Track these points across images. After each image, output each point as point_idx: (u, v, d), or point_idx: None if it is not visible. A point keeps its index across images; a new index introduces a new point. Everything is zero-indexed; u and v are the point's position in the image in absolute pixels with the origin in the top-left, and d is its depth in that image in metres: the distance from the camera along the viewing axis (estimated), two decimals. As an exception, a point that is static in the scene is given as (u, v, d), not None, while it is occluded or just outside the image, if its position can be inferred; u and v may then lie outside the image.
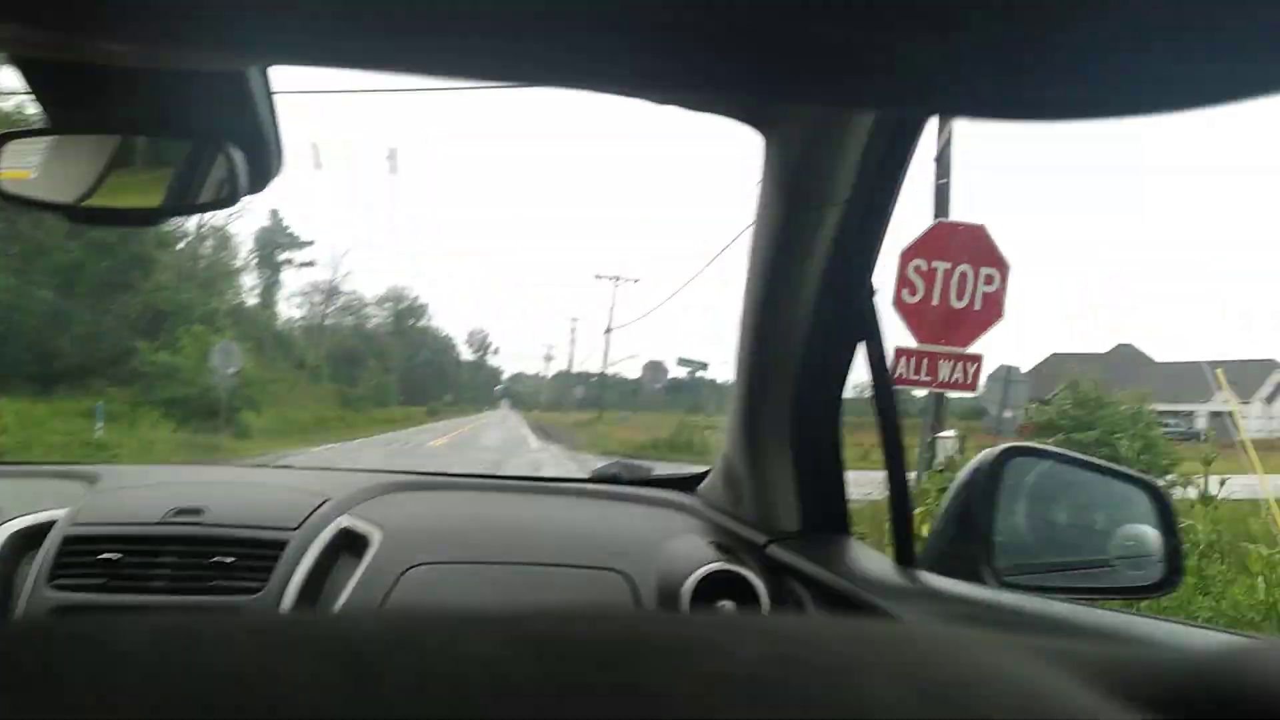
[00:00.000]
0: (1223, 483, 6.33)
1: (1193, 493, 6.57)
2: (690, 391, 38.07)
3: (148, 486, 1.57)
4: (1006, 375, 15.85)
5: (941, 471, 8.41)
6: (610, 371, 44.23)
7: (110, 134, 0.99)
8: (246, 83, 0.87)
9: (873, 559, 1.24)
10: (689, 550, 1.39)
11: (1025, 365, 14.42)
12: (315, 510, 1.46)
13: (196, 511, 1.40)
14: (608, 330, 40.00)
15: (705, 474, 1.67)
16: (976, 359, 7.43)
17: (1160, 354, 37.32)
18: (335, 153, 54.12)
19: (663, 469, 1.87)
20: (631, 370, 56.82)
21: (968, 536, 1.19)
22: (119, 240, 20.31)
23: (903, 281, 7.17)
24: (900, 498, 1.23)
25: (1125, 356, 27.62)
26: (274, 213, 36.92)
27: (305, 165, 21.55)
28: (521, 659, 0.17)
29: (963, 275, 7.25)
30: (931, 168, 9.95)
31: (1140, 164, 68.80)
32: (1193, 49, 0.24)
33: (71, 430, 15.64)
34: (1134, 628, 0.89)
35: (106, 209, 1.03)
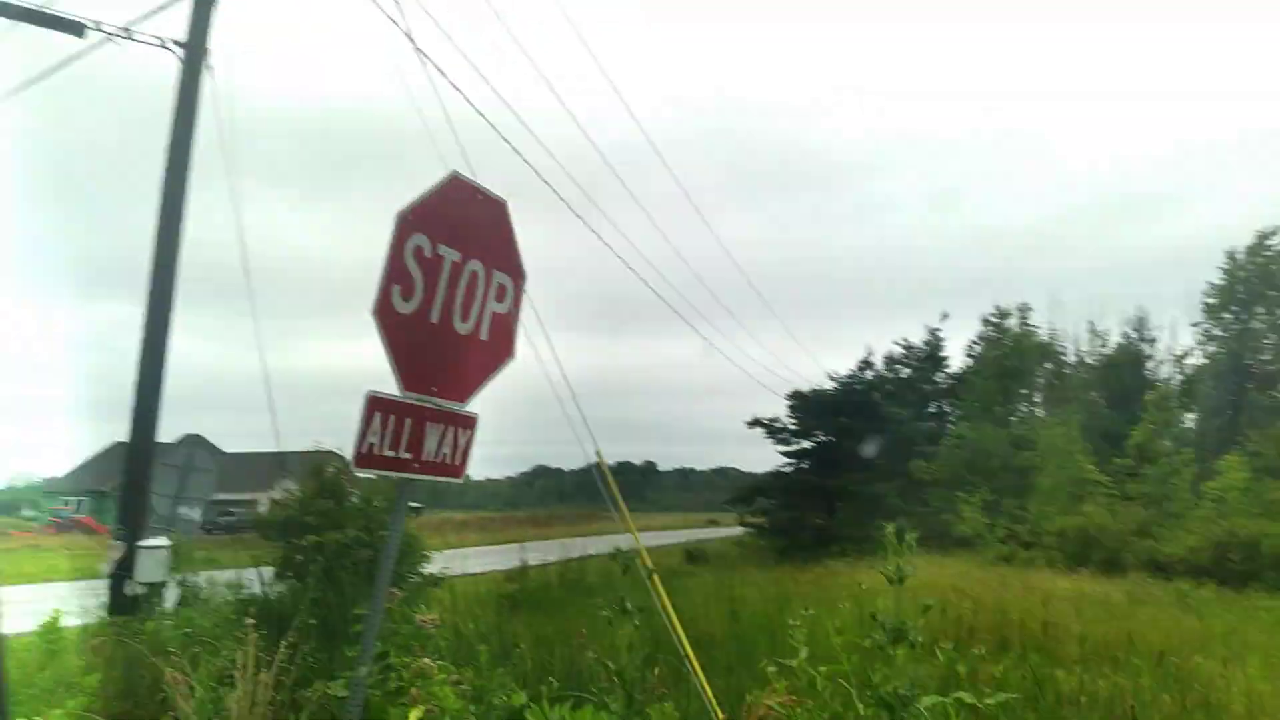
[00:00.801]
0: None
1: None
2: None
3: None
4: (189, 455, 11.78)
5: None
6: None
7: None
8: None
9: None
10: None
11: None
12: None
13: None
14: None
15: None
16: (470, 422, 4.55)
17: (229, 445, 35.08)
18: None
19: None
20: None
21: None
22: None
23: (396, 271, 3.99)
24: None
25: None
26: None
27: None
28: None
29: (473, 278, 4.37)
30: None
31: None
32: None
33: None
34: None
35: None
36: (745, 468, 68.69)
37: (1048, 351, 46.76)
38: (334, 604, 6.72)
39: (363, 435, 3.72)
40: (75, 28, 9.57)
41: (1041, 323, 48.86)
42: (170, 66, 9.80)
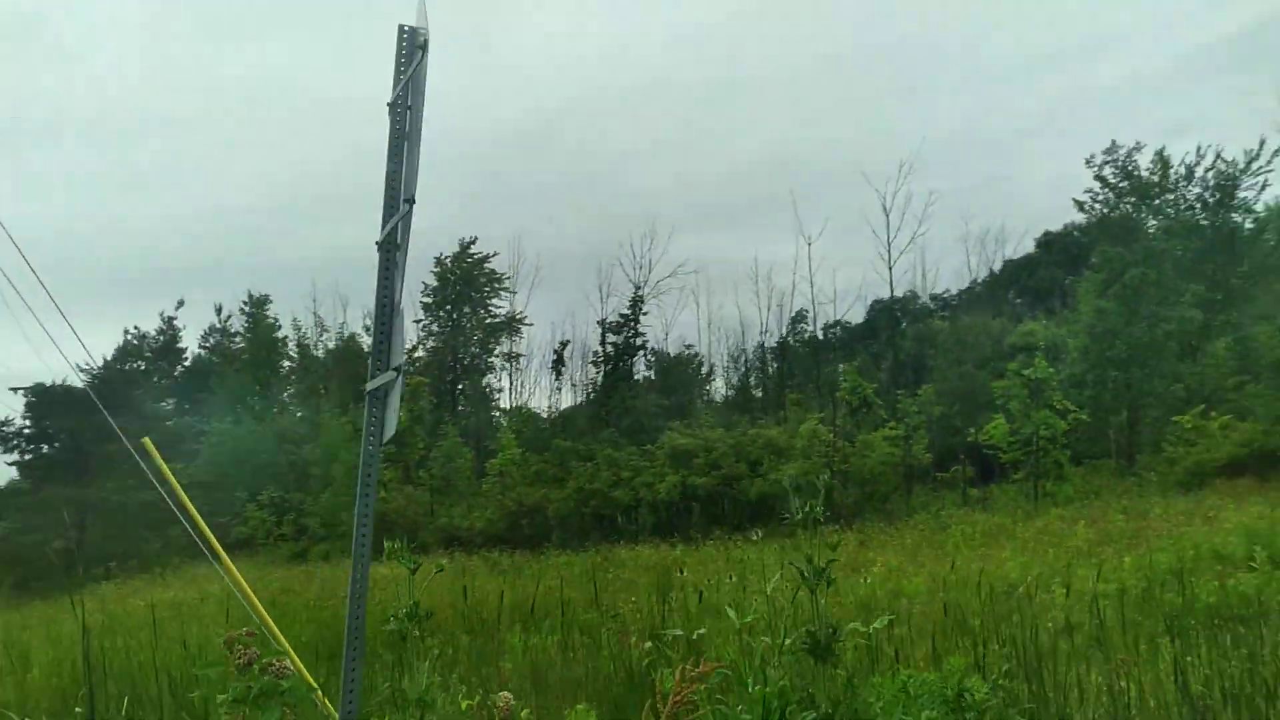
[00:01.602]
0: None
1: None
2: None
3: None
4: None
5: None
6: None
7: None
8: None
9: None
10: None
11: None
12: None
13: None
14: None
15: None
16: None
17: None
18: None
19: None
20: None
21: None
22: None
23: None
24: None
25: None
26: None
27: None
28: None
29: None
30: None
31: None
32: None
33: None
34: None
35: None
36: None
37: (286, 344, 47.02)
38: None
39: None
40: None
41: (285, 312, 49.03)
42: None
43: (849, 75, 69.72)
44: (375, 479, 3.46)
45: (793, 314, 45.10)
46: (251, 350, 43.26)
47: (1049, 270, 51.25)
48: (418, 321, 52.51)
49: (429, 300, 53.12)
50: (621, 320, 46.14)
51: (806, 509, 3.51)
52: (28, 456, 28.99)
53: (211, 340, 47.62)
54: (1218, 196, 36.23)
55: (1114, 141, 38.44)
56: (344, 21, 73.23)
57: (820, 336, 44.21)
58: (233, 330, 47.49)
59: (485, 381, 51.25)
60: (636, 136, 67.48)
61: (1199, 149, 37.82)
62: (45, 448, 29.04)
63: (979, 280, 52.47)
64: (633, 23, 70.91)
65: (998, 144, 62.43)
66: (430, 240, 51.73)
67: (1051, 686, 5.02)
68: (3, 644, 10.55)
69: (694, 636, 5.16)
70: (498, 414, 44.31)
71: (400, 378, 3.15)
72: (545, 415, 42.25)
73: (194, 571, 25.23)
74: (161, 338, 45.96)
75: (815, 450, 24.97)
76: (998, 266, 52.89)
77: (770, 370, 47.48)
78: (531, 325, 49.32)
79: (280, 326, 46.87)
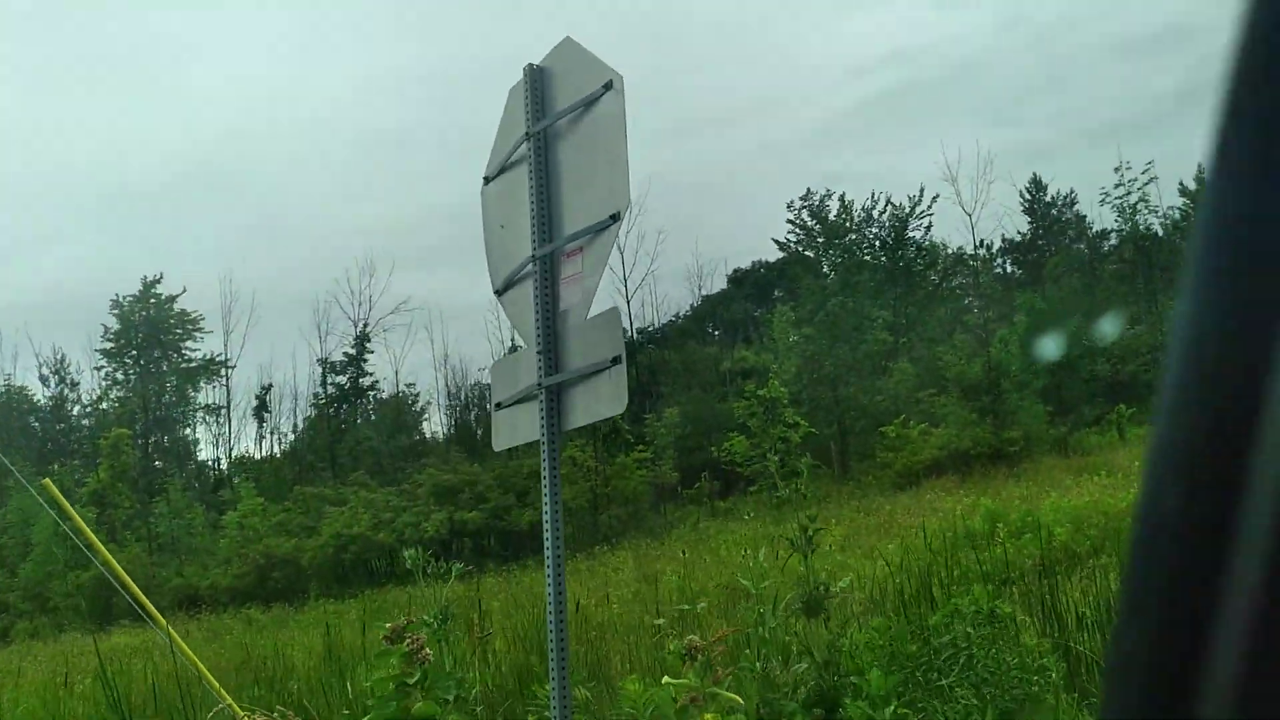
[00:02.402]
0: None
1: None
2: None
3: None
4: None
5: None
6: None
7: None
8: None
9: None
10: None
11: None
12: None
13: None
14: None
15: None
16: None
17: None
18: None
19: None
20: None
21: None
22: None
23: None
24: None
25: None
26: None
27: None
28: None
29: None
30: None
31: None
32: None
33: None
34: None
35: None
36: None
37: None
38: None
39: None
40: None
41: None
42: None
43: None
44: (559, 474, 3.65)
45: (508, 350, 45.51)
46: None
47: (740, 304, 56.18)
48: (99, 368, 47.17)
49: (109, 345, 47.95)
50: (347, 359, 44.36)
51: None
52: None
53: None
54: (893, 235, 42.04)
55: (809, 189, 43.37)
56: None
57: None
58: None
59: (187, 431, 47.00)
60: (354, 173, 65.33)
61: (873, 195, 43.76)
62: None
63: (680, 314, 56.17)
64: (319, 61, 68.78)
65: (711, 185, 67.25)
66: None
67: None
68: None
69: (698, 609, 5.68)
70: (224, 463, 40.78)
71: (617, 366, 3.36)
72: (276, 462, 39.49)
73: None
74: None
75: (579, 475, 25.66)
76: (698, 302, 56.96)
77: (487, 406, 47.49)
78: (234, 367, 45.75)
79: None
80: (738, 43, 66.52)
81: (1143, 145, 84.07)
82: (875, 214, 42.43)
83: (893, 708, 4.34)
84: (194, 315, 47.80)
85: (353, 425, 41.54)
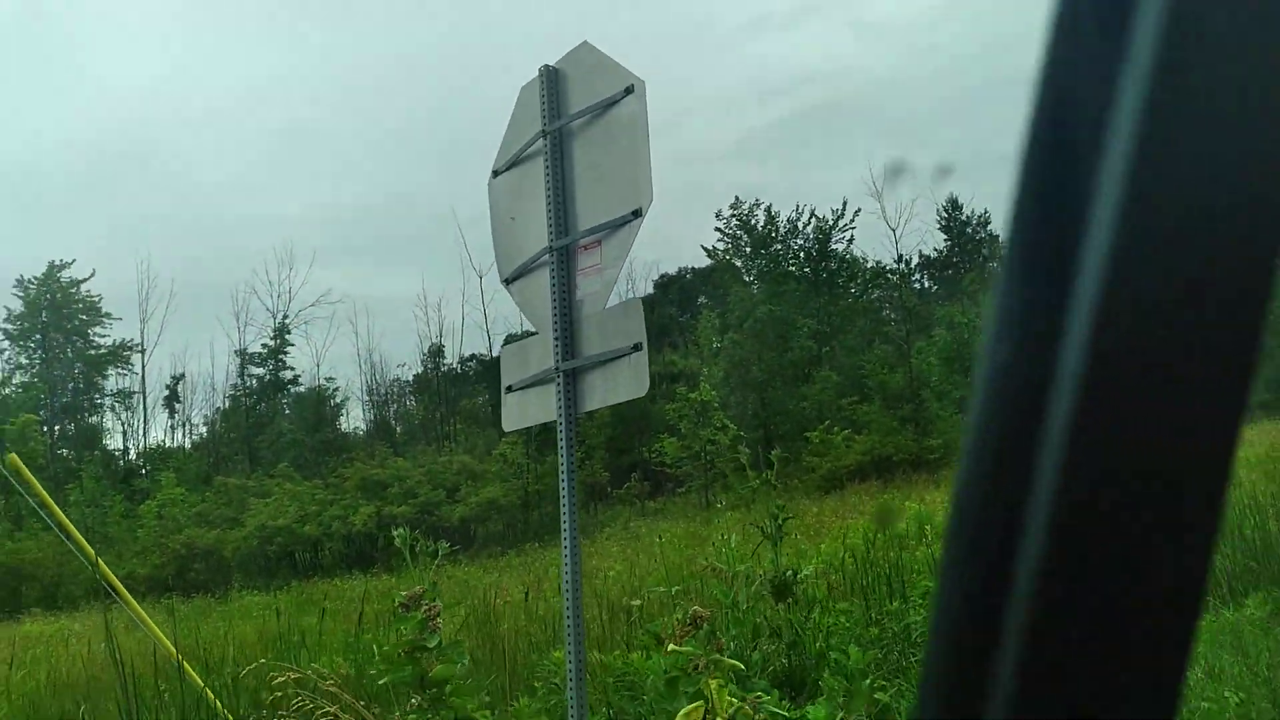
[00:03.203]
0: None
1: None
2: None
3: None
4: None
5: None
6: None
7: None
8: None
9: None
10: None
11: None
12: None
13: None
14: None
15: None
16: None
17: None
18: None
19: None
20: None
21: None
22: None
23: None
24: None
25: None
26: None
27: None
28: None
29: None
30: None
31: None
32: None
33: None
34: None
35: None
36: None
37: None
38: None
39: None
40: None
41: None
42: None
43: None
44: (574, 454, 3.89)
45: (430, 346, 44.89)
46: None
47: (665, 308, 56.80)
48: (0, 351, 45.20)
49: (11, 328, 46.02)
50: (266, 351, 43.38)
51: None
52: None
53: None
54: (817, 248, 43.06)
55: (737, 198, 44.06)
56: None
57: (458, 369, 44.65)
58: None
59: (96, 419, 45.32)
60: (274, 164, 63.70)
61: (797, 207, 44.70)
62: None
63: (611, 317, 56.13)
64: (233, 51, 66.92)
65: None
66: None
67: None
68: None
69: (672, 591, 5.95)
70: (133, 452, 39.46)
71: (638, 353, 3.62)
72: (186, 453, 38.38)
73: None
74: None
75: (510, 473, 25.71)
76: (630, 305, 57.04)
77: (408, 403, 47.06)
78: (145, 353, 44.29)
79: None
80: (652, 55, 67.10)
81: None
82: (800, 225, 43.40)
83: (870, 681, 4.69)
84: (97, 299, 46.11)
85: (272, 418, 40.61)
